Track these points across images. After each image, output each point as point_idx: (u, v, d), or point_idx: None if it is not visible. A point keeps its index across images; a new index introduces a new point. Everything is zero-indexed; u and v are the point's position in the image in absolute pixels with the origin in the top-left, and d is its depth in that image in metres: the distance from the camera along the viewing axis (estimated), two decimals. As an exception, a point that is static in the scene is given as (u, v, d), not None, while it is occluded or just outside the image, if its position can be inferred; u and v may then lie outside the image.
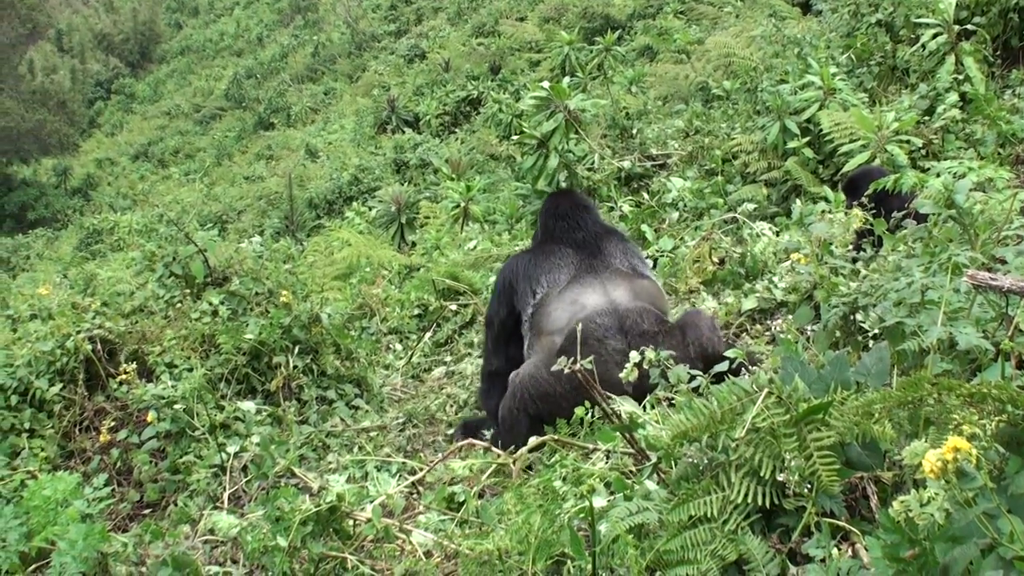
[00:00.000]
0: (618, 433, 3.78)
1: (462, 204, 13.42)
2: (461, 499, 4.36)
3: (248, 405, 6.00)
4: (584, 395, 4.56)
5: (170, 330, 6.35)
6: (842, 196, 6.76)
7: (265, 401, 6.35)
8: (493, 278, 8.61)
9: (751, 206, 8.44)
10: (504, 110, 20.01)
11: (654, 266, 7.38)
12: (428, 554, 3.78)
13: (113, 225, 27.49)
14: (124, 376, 5.86)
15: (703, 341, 5.20)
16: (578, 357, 3.80)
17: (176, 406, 5.71)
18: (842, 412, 2.76)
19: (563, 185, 11.16)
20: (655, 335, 5.13)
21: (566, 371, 3.81)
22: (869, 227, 5.63)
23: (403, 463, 5.18)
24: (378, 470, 5.14)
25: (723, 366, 4.47)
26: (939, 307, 3.37)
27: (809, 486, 2.76)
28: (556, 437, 4.48)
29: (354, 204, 19.42)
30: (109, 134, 55.84)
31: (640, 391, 4.72)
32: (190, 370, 5.96)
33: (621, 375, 4.36)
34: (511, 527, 3.27)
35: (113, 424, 5.89)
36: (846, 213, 6.19)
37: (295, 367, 6.51)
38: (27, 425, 5.90)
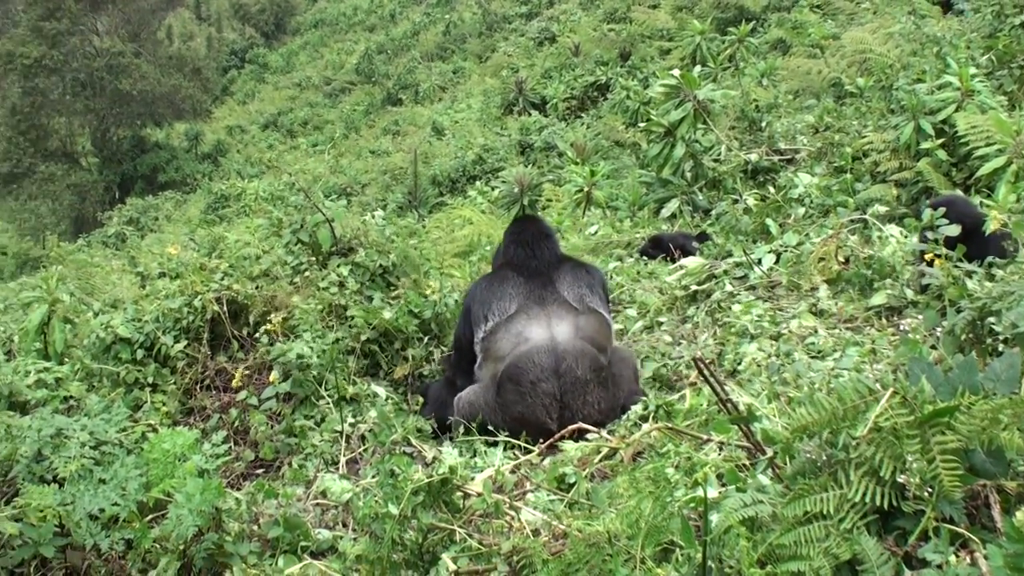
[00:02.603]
0: (734, 425, 3.74)
1: (585, 189, 13.37)
2: (571, 480, 4.36)
3: (379, 390, 6.09)
4: (513, 429, 5.29)
5: (297, 296, 6.41)
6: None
7: (390, 385, 6.40)
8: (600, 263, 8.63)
9: (882, 208, 8.30)
10: (632, 97, 19.91)
11: (777, 260, 7.30)
12: (536, 532, 3.78)
13: (240, 191, 27.88)
14: (270, 327, 5.94)
15: (629, 394, 5.60)
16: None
17: (308, 370, 5.78)
18: (968, 417, 2.70)
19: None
20: (586, 384, 5.46)
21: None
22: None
23: (514, 442, 5.19)
24: (489, 446, 5.16)
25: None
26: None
27: (930, 490, 2.71)
28: (670, 426, 4.46)
29: (477, 183, 19.48)
30: (241, 102, 56.52)
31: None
32: (321, 337, 6.02)
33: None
34: (622, 511, 3.25)
35: (247, 372, 5.98)
36: (922, 240, 6.10)
37: (423, 356, 6.56)
38: (151, 380, 6.02)
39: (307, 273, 6.79)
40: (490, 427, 5.35)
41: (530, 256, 5.92)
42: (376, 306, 6.55)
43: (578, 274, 5.90)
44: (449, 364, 6.28)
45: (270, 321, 6.02)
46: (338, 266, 6.81)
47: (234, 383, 5.90)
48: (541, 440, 5.12)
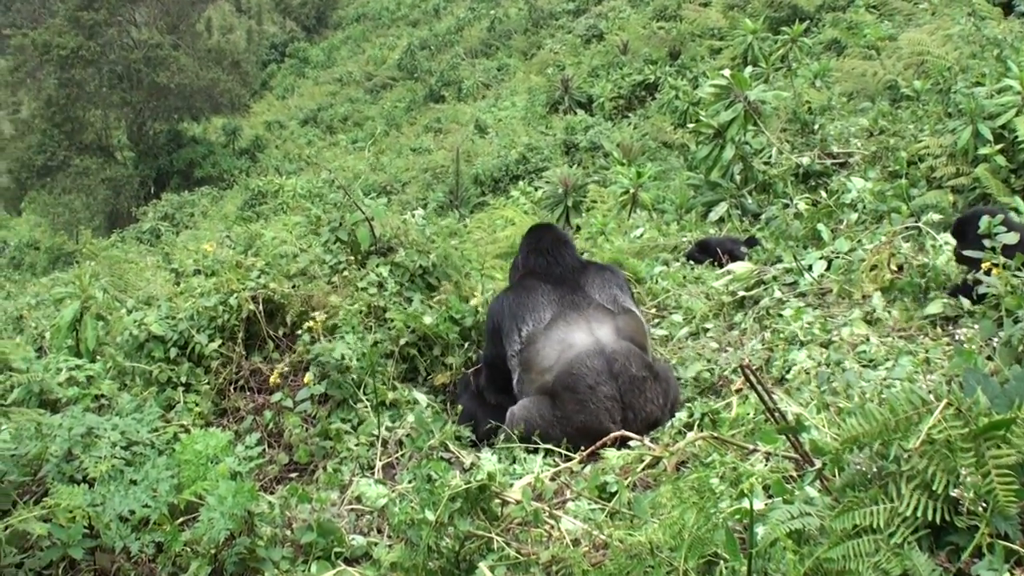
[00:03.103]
0: (781, 435, 3.73)
1: (631, 190, 13.35)
2: (613, 489, 4.36)
3: (421, 396, 6.10)
4: (574, 440, 5.22)
5: (335, 296, 6.42)
6: (951, 240, 6.52)
7: (429, 391, 6.41)
8: (649, 267, 8.60)
9: (936, 216, 8.25)
10: (681, 97, 19.86)
11: (828, 267, 7.27)
12: (576, 542, 3.78)
13: (278, 188, 28.01)
14: (311, 324, 5.96)
15: (675, 399, 5.65)
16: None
17: (348, 372, 5.80)
18: (1025, 430, 2.68)
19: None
20: (643, 380, 5.44)
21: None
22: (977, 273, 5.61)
23: (554, 450, 5.18)
24: (529, 453, 5.16)
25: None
26: None
27: (984, 505, 2.69)
28: (716, 435, 4.45)
29: (520, 183, 19.46)
30: (280, 97, 56.70)
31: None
32: (360, 339, 6.03)
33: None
34: (664, 522, 3.25)
35: (285, 370, 6.00)
36: (958, 261, 6.07)
37: (462, 364, 6.56)
38: (184, 379, 6.05)
39: (345, 272, 6.80)
40: (551, 442, 5.29)
41: (552, 263, 5.99)
42: (416, 309, 6.56)
43: (605, 276, 5.98)
44: (476, 379, 6.29)
45: (313, 319, 6.04)
46: (377, 266, 6.82)
47: (271, 380, 5.93)
48: (583, 448, 5.12)
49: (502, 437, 5.50)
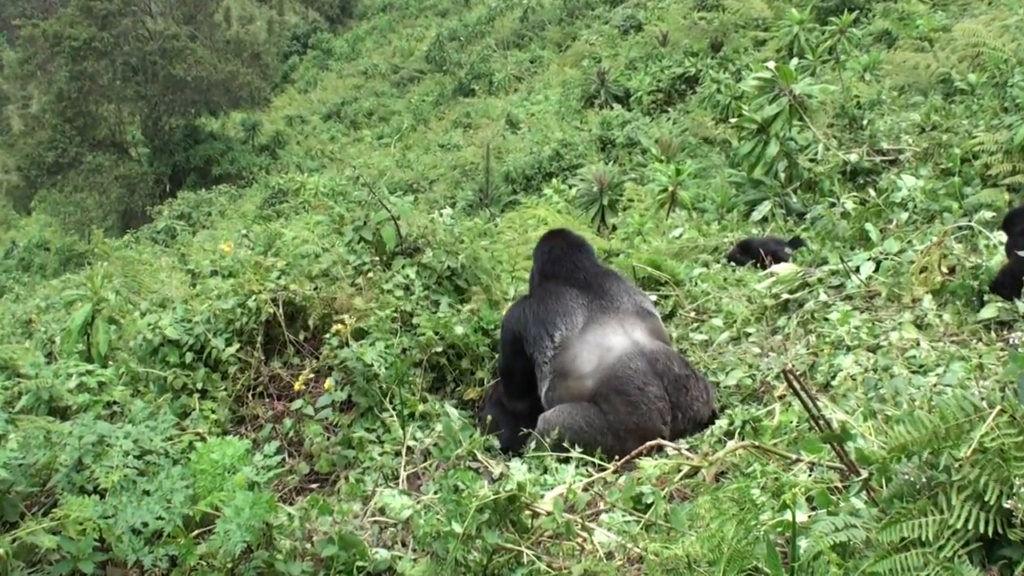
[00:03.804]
0: (826, 443, 3.72)
1: (670, 189, 13.35)
2: (649, 500, 4.36)
3: (452, 410, 6.11)
4: (625, 444, 5.28)
5: (359, 298, 6.44)
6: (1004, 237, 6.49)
7: (459, 405, 6.42)
8: (687, 269, 8.60)
9: (988, 214, 8.21)
10: (723, 91, 19.87)
11: (876, 269, 7.24)
12: (610, 555, 3.79)
13: (300, 186, 28.07)
14: (339, 328, 5.98)
15: (712, 392, 5.80)
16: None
17: (375, 380, 5.82)
18: (1083, 439, 2.68)
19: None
20: (687, 379, 5.59)
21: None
22: None
23: (587, 459, 5.18)
24: (561, 462, 5.16)
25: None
26: None
27: (1039, 517, 2.69)
28: (757, 444, 4.45)
29: (553, 181, 19.46)
30: (302, 91, 56.86)
31: (675, 437, 5.38)
32: (388, 346, 6.05)
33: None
34: (703, 534, 3.25)
35: (310, 376, 6.02)
36: (1008, 255, 6.04)
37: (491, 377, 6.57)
38: (200, 385, 6.07)
39: (370, 274, 6.80)
40: (601, 451, 5.26)
41: (574, 268, 6.10)
42: (444, 315, 6.57)
43: (624, 282, 6.14)
44: (497, 393, 6.36)
45: (342, 322, 6.05)
46: (403, 267, 6.83)
47: (296, 386, 5.95)
48: (617, 458, 5.14)
49: (533, 445, 5.50)
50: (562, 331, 5.74)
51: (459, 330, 6.47)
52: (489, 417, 6.08)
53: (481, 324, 6.59)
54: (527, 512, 3.95)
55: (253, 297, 6.27)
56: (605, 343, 5.63)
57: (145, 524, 3.82)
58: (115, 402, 5.76)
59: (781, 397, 5.54)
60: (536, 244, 6.51)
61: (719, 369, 6.33)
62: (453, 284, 6.97)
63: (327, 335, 6.13)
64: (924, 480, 2.91)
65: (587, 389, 5.58)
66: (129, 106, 50.14)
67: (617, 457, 5.12)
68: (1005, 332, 5.90)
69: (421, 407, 5.95)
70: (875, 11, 22.90)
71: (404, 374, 6.01)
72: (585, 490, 4.61)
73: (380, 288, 6.65)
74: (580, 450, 5.20)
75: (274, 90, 56.94)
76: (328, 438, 5.68)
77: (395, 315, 6.47)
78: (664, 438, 5.28)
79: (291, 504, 5.00)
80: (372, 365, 5.77)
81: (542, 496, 4.23)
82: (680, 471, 4.69)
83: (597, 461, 5.11)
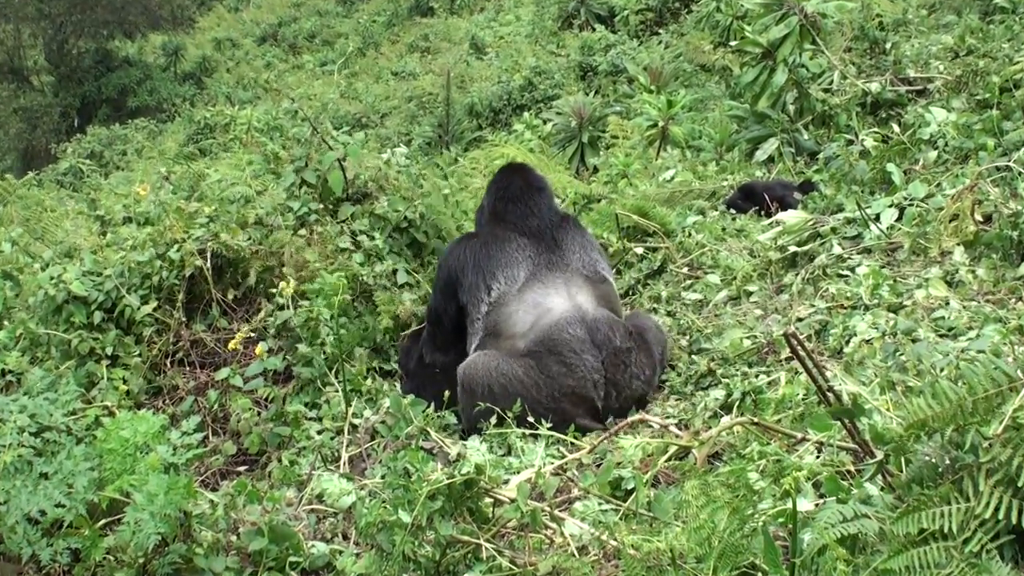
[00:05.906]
0: (835, 420, 3.72)
1: (660, 124, 13.33)
2: (629, 486, 4.36)
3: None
4: (561, 406, 5.46)
5: (311, 251, 6.40)
6: None
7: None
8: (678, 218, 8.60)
9: (1032, 153, 8.23)
10: (723, 9, 19.82)
11: (899, 217, 7.24)
12: (583, 549, 3.79)
13: (229, 120, 27.87)
14: (285, 287, 5.92)
15: (667, 354, 6.06)
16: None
17: (321, 347, 5.82)
18: None
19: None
20: (627, 352, 5.71)
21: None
22: None
23: (556, 436, 5.18)
24: (525, 441, 5.16)
25: None
26: None
27: (1080, 505, 2.69)
28: (756, 420, 4.45)
29: (525, 115, 19.39)
30: (232, 9, 56.40)
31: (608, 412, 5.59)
32: (339, 314, 6.02)
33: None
34: (690, 525, 3.24)
35: (251, 335, 5.99)
36: None
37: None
38: (109, 350, 6.02)
39: (316, 226, 6.74)
40: (534, 408, 5.31)
41: (527, 213, 6.15)
42: (399, 289, 6.58)
43: (585, 237, 6.22)
44: (415, 340, 6.42)
45: (286, 279, 5.99)
46: (352, 217, 6.79)
47: (232, 344, 5.91)
48: (580, 435, 5.19)
49: (465, 399, 5.66)
50: (500, 284, 5.83)
51: (408, 302, 6.49)
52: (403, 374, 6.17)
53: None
54: (487, 499, 3.95)
55: (175, 247, 6.22)
56: (545, 303, 5.75)
57: (43, 512, 3.79)
58: (9, 370, 5.74)
59: (788, 359, 5.53)
60: (492, 176, 6.53)
61: (714, 334, 6.33)
62: (410, 237, 6.95)
63: (269, 292, 6.10)
64: (947, 462, 2.91)
65: (518, 351, 5.69)
66: (30, 27, 49.70)
67: (558, 421, 5.25)
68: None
69: (368, 382, 5.94)
70: (901, -85, 22.88)
71: (352, 347, 6.00)
72: (555, 474, 4.60)
73: (334, 244, 6.59)
74: (511, 404, 5.21)
75: (199, 8, 56.53)
76: (259, 413, 5.66)
77: (351, 286, 6.43)
78: (598, 412, 5.49)
79: (214, 490, 5.01)
80: (322, 331, 5.76)
81: (505, 481, 4.23)
82: (666, 452, 4.68)
83: (570, 440, 5.11)
